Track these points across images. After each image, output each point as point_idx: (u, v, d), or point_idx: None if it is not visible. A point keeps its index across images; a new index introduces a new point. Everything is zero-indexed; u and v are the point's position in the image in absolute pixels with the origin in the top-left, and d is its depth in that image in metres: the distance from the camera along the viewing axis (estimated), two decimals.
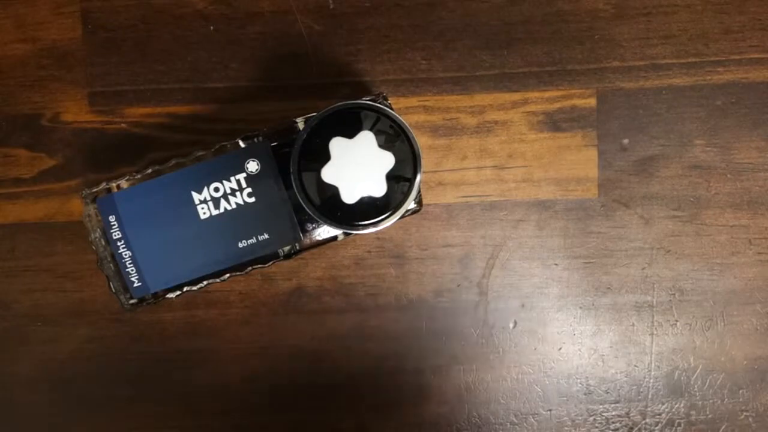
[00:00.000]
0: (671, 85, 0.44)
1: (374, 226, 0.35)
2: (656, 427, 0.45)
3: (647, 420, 0.45)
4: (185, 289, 0.38)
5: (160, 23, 0.44)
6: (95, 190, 0.37)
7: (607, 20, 0.44)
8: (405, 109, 0.44)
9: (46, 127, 0.44)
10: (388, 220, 0.35)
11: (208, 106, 0.44)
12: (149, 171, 0.37)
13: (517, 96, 0.44)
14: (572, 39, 0.44)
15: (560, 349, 0.45)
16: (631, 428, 0.45)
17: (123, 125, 0.44)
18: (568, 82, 0.44)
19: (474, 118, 0.44)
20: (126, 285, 0.37)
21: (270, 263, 0.38)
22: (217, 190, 0.36)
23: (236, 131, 0.38)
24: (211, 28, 0.44)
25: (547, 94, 0.44)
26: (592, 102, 0.44)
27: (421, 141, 0.43)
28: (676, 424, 0.45)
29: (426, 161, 0.44)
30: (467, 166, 0.44)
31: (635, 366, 0.45)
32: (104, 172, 0.44)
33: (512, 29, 0.44)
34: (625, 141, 0.44)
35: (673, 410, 0.45)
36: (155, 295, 0.38)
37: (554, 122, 0.44)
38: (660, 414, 0.45)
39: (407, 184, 0.35)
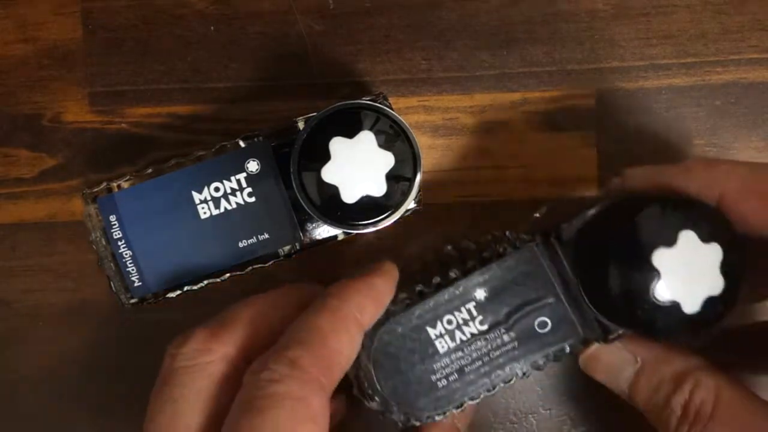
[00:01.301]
0: (671, 85, 0.44)
1: (374, 226, 0.35)
2: None
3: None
4: (185, 288, 0.38)
5: (161, 23, 0.44)
6: (96, 189, 0.37)
7: (606, 20, 0.44)
8: (405, 109, 0.44)
9: (47, 127, 0.44)
10: (388, 219, 0.35)
11: (208, 106, 0.44)
12: (149, 171, 0.37)
13: (516, 96, 0.44)
14: (572, 39, 0.44)
15: None
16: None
17: (123, 125, 0.44)
18: (567, 83, 0.44)
19: (474, 118, 0.44)
20: (126, 284, 0.37)
21: (270, 263, 0.38)
22: (217, 189, 0.37)
23: (236, 131, 0.38)
24: (212, 28, 0.44)
25: (546, 94, 0.44)
26: (591, 102, 0.44)
27: (421, 141, 0.43)
28: None
29: (426, 161, 0.44)
30: (467, 165, 0.44)
31: None
32: (105, 171, 0.44)
33: (512, 29, 0.44)
34: (625, 141, 0.44)
35: None
36: (155, 295, 0.38)
37: (554, 122, 0.44)
38: None
39: (407, 183, 0.35)
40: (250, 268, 0.38)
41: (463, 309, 0.34)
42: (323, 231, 0.37)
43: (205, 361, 0.31)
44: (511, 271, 0.34)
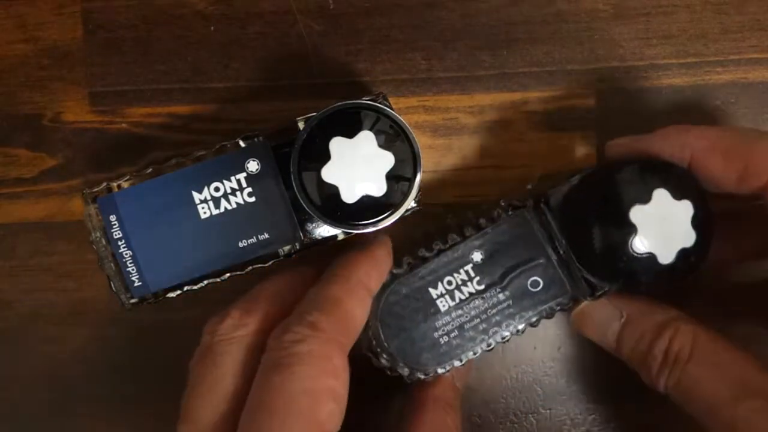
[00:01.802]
0: (671, 85, 0.44)
1: (374, 226, 0.35)
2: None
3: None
4: (185, 288, 0.38)
5: (161, 23, 0.44)
6: (96, 189, 0.37)
7: (606, 20, 0.44)
8: (405, 109, 0.44)
9: (47, 127, 0.44)
10: (388, 219, 0.35)
11: (208, 106, 0.44)
12: (149, 170, 0.37)
13: (516, 96, 0.44)
14: (572, 39, 0.44)
15: (560, 348, 0.45)
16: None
17: (124, 125, 0.44)
18: (567, 82, 0.44)
19: (474, 118, 0.44)
20: (126, 284, 0.37)
21: (270, 263, 0.38)
22: (217, 189, 0.36)
23: (237, 131, 0.38)
24: (212, 28, 0.44)
25: (546, 94, 0.44)
26: (591, 102, 0.44)
27: (421, 141, 0.43)
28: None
29: (426, 161, 0.44)
30: (467, 165, 0.44)
31: None
32: (105, 171, 0.44)
33: (512, 29, 0.44)
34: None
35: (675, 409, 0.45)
36: (156, 295, 0.38)
37: (554, 122, 0.44)
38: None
39: (407, 183, 0.35)
40: (250, 267, 0.38)
41: (461, 270, 0.37)
42: (323, 231, 0.37)
43: (241, 335, 0.35)
44: (505, 235, 0.37)
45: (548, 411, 0.45)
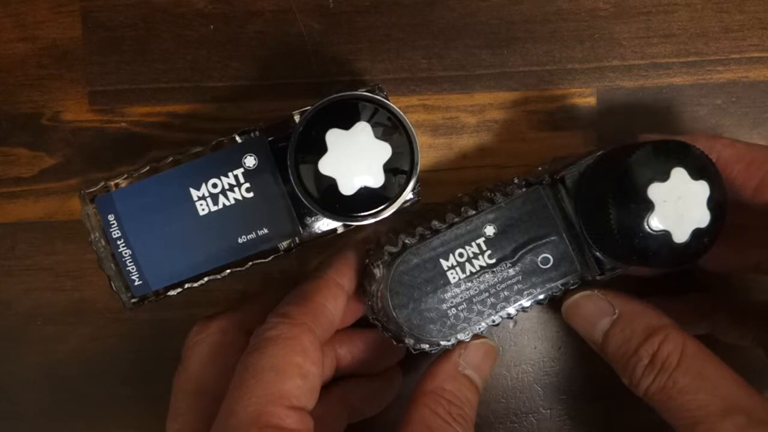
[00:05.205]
0: (671, 84, 0.44)
1: (373, 217, 0.35)
2: None
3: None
4: (186, 285, 0.38)
5: (160, 22, 0.44)
6: (93, 189, 0.37)
7: (607, 19, 0.44)
8: (405, 107, 0.44)
9: (46, 126, 0.44)
10: (386, 210, 0.35)
11: (208, 105, 0.44)
12: (146, 169, 0.37)
13: (517, 95, 0.44)
14: (572, 38, 0.44)
15: (560, 348, 0.45)
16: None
17: (123, 124, 0.44)
18: (568, 81, 0.44)
19: (474, 117, 0.44)
20: (127, 283, 0.37)
21: (270, 258, 0.38)
22: (215, 186, 0.36)
23: (236, 130, 0.38)
24: (211, 27, 0.44)
25: (547, 93, 0.44)
26: (592, 101, 0.44)
27: (422, 140, 0.43)
28: None
29: (426, 160, 0.44)
30: (467, 165, 0.44)
31: None
32: (104, 171, 0.44)
33: (512, 28, 0.44)
34: (625, 140, 0.44)
35: None
36: (156, 293, 0.37)
37: (554, 121, 0.44)
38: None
39: (405, 173, 0.35)
40: (251, 263, 0.37)
41: (473, 243, 0.37)
42: (322, 224, 0.37)
43: (202, 336, 0.39)
44: (519, 210, 0.37)
45: (548, 411, 0.45)
